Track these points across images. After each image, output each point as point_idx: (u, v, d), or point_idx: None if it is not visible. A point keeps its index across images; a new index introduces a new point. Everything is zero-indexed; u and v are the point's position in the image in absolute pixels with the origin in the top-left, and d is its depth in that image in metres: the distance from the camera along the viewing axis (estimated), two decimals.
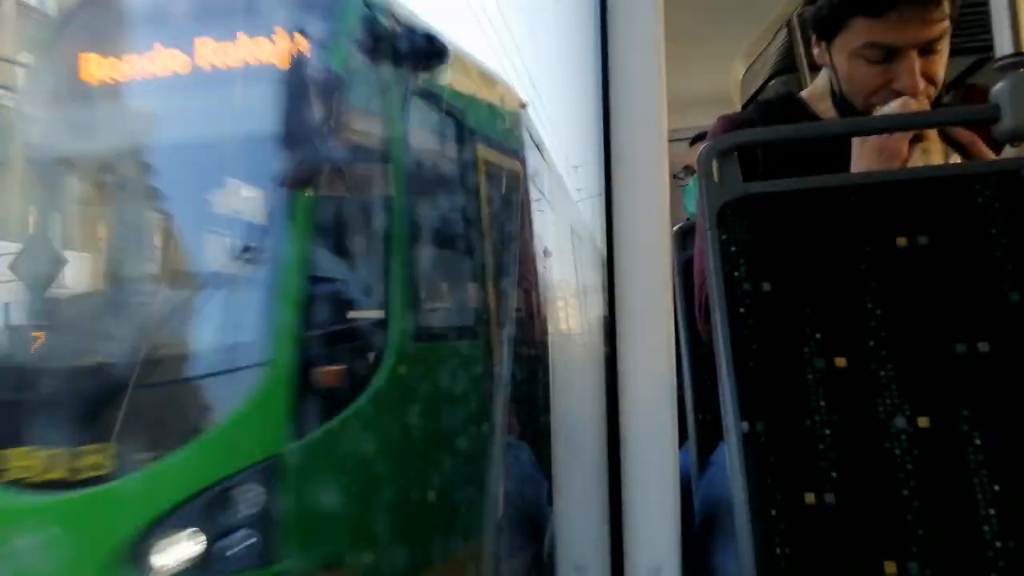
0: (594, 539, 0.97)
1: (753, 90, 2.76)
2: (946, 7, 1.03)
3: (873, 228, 0.81)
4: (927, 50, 1.06)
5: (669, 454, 0.92)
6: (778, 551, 0.74)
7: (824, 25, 1.11)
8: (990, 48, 0.85)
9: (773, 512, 0.75)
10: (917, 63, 1.05)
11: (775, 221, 0.83)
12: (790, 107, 1.26)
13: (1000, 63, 0.83)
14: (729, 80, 2.60)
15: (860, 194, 0.82)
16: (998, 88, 0.82)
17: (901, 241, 0.80)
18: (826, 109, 1.21)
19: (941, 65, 1.08)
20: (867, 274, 0.80)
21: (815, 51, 1.18)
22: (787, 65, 2.66)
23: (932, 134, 1.03)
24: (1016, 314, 0.76)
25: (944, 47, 1.07)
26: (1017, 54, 0.82)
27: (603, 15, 0.96)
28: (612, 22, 0.96)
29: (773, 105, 1.31)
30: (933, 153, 1.03)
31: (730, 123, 1.23)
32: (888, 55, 1.06)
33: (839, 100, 1.15)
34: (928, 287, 0.79)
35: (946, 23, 1.04)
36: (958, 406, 0.75)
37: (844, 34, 1.09)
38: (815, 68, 1.24)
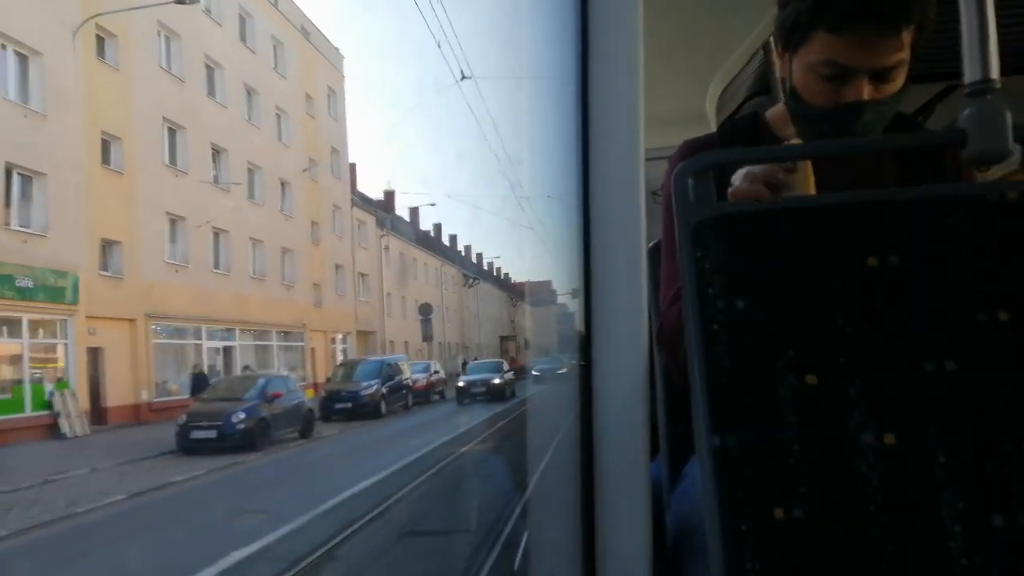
0: (566, 552, 0.97)
1: (730, 111, 2.76)
2: (905, 39, 1.04)
3: (845, 248, 0.82)
4: (879, 77, 1.07)
5: (641, 466, 0.92)
6: (748, 566, 0.75)
7: (789, 36, 1.12)
8: (959, 75, 0.86)
9: (743, 527, 0.76)
10: (867, 88, 1.07)
11: (749, 239, 0.84)
12: (753, 128, 1.29)
13: (968, 89, 0.85)
14: (706, 101, 2.59)
15: (833, 214, 0.83)
16: (965, 114, 0.84)
17: (872, 261, 0.81)
18: (787, 129, 1.22)
19: (891, 95, 1.09)
20: (838, 293, 0.81)
21: (778, 62, 1.19)
22: (763, 86, 2.74)
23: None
24: (982, 334, 0.78)
25: (898, 78, 1.08)
26: (985, 80, 0.83)
27: (583, 34, 0.97)
28: (592, 41, 0.96)
29: (737, 125, 1.33)
30: None
31: (694, 147, 1.25)
32: (841, 74, 1.07)
33: (791, 112, 1.17)
34: (898, 306, 0.80)
35: (903, 54, 1.05)
36: (925, 423, 0.77)
37: (805, 47, 1.09)
38: None
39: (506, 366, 27.85)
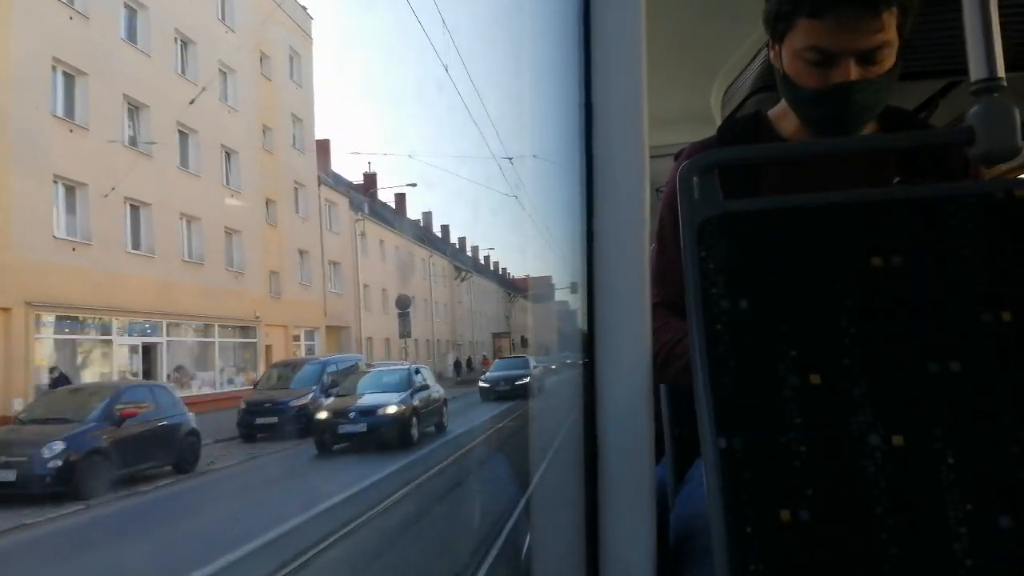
0: (570, 554, 0.97)
1: (733, 108, 2.75)
2: (887, 20, 1.04)
3: (849, 248, 0.81)
4: (865, 59, 1.07)
5: (646, 469, 0.91)
6: (752, 567, 0.74)
7: (774, 25, 1.14)
8: (962, 71, 0.85)
9: (748, 529, 0.75)
10: (854, 70, 1.07)
11: (753, 238, 0.83)
12: (754, 127, 1.28)
13: (975, 87, 0.84)
14: (711, 98, 2.59)
15: (837, 213, 0.83)
16: (973, 112, 0.83)
17: (876, 261, 0.80)
18: (788, 126, 1.23)
19: (881, 75, 1.09)
20: (842, 293, 0.80)
21: (771, 54, 1.20)
22: (767, 83, 2.68)
23: None
24: (987, 334, 0.77)
25: (885, 60, 1.08)
26: (992, 78, 0.82)
27: (586, 32, 0.96)
28: (595, 38, 0.96)
29: (736, 125, 1.33)
30: None
31: (701, 150, 1.24)
32: (826, 59, 1.08)
33: (785, 98, 1.18)
34: (902, 307, 0.79)
35: (886, 35, 1.05)
36: (931, 424, 0.76)
37: (791, 35, 1.11)
38: None
39: (425, 378, 16.32)
